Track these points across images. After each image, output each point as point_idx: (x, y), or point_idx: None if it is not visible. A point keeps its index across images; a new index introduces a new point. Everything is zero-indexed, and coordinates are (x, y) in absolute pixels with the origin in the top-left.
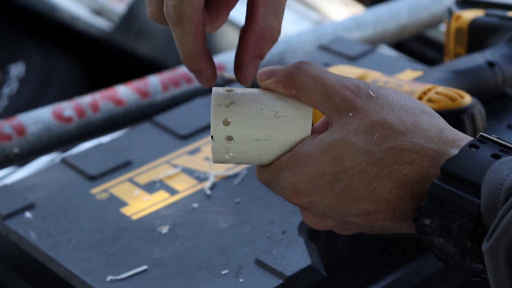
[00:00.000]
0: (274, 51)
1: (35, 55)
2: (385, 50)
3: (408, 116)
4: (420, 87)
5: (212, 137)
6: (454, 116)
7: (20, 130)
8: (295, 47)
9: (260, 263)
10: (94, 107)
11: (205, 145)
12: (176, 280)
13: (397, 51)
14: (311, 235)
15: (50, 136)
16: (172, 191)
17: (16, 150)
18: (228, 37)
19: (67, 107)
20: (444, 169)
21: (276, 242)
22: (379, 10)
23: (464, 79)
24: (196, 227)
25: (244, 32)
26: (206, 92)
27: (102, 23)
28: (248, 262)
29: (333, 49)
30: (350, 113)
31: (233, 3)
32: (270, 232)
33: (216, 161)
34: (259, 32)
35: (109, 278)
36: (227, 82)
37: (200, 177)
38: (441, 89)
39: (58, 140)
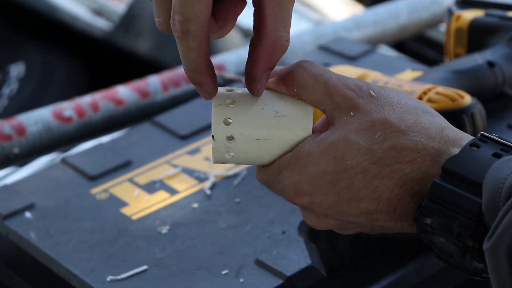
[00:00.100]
0: None
1: (35, 55)
2: (385, 50)
3: (409, 115)
4: (420, 87)
5: (212, 136)
6: (454, 116)
7: (20, 130)
8: (295, 47)
9: (260, 263)
10: (94, 107)
11: (205, 145)
12: (176, 280)
13: (397, 51)
14: (311, 235)
15: (50, 136)
16: (172, 191)
17: (16, 150)
18: (228, 37)
19: (67, 107)
20: (445, 168)
21: (276, 242)
22: (379, 10)
23: (464, 79)
24: (196, 227)
25: (255, 44)
26: None
27: (102, 23)
28: (248, 262)
29: (333, 49)
30: (351, 112)
31: (240, 9)
32: (270, 232)
33: (217, 161)
34: (270, 44)
35: (109, 278)
36: (227, 82)
37: (200, 177)
38: (441, 89)
39: (58, 140)
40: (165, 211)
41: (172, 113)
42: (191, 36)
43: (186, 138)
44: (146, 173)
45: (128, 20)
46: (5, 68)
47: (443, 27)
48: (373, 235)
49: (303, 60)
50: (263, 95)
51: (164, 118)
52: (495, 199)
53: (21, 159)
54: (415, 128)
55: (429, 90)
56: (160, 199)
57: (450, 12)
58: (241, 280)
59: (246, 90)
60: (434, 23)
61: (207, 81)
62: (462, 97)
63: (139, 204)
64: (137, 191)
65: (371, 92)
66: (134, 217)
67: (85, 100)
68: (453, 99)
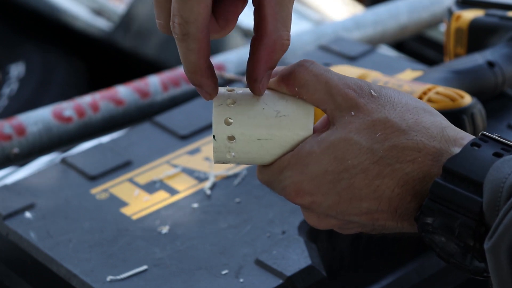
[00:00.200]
0: None
1: (35, 55)
2: (385, 50)
3: (410, 114)
4: (420, 87)
5: (213, 136)
6: (454, 116)
7: (20, 130)
8: (295, 47)
9: (260, 263)
10: (94, 107)
11: (205, 145)
12: (176, 280)
13: (397, 51)
14: (311, 235)
15: (50, 136)
16: (172, 191)
17: (16, 150)
18: (228, 37)
19: (67, 107)
20: (446, 168)
21: (276, 242)
22: (379, 10)
23: (464, 79)
24: (196, 227)
25: (255, 44)
26: None
27: (102, 23)
28: (248, 262)
29: (333, 49)
30: (352, 112)
31: (240, 9)
32: (270, 232)
33: (218, 161)
34: (270, 44)
35: (109, 278)
36: (227, 82)
37: (200, 177)
38: (441, 89)
39: (58, 140)
40: (165, 211)
41: (172, 113)
42: (191, 38)
43: (186, 138)
44: (146, 173)
45: (128, 20)
46: (5, 68)
47: (443, 27)
48: (374, 235)
49: (304, 60)
50: (264, 95)
51: (164, 118)
52: (496, 199)
53: (21, 159)
54: (416, 128)
55: (429, 90)
56: (160, 199)
57: (450, 12)
58: (241, 280)
59: (247, 90)
60: (434, 23)
61: (207, 82)
62: (462, 97)
63: (139, 204)
64: (137, 191)
65: (372, 91)
66: (134, 217)
67: (85, 100)
68: (453, 99)
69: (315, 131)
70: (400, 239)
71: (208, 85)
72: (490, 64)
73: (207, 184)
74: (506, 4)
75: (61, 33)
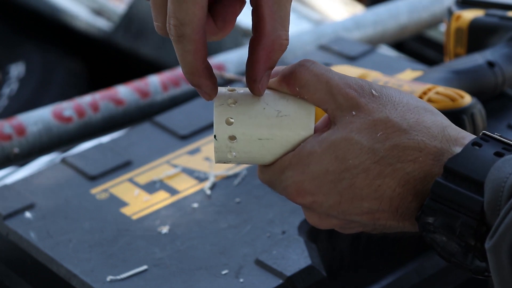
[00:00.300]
0: None
1: (35, 55)
2: (385, 50)
3: (411, 114)
4: (420, 87)
5: (215, 136)
6: (454, 116)
7: (20, 130)
8: (295, 47)
9: (260, 263)
10: (94, 107)
11: (205, 145)
12: (176, 280)
13: (397, 51)
14: (311, 235)
15: (50, 136)
16: (172, 191)
17: (16, 150)
18: (228, 37)
19: (67, 107)
20: (447, 167)
21: (276, 242)
22: (379, 10)
23: (464, 79)
24: (196, 227)
25: (254, 44)
26: None
27: (102, 23)
28: (248, 262)
29: (333, 49)
30: (353, 112)
31: (239, 10)
32: (270, 232)
33: (219, 160)
34: (269, 44)
35: (109, 278)
36: (227, 82)
37: (200, 177)
38: (441, 89)
39: (58, 140)
40: (165, 211)
41: (172, 113)
42: (186, 39)
43: (186, 138)
44: (146, 173)
45: (128, 20)
46: (5, 68)
47: (443, 27)
48: (374, 234)
49: (305, 60)
50: (265, 94)
51: (164, 118)
52: (497, 198)
53: (21, 159)
54: (417, 127)
55: (429, 90)
56: (160, 199)
57: (450, 12)
58: (241, 280)
59: (247, 90)
60: (434, 23)
61: (205, 83)
62: (462, 97)
63: (139, 204)
64: (137, 191)
65: (373, 91)
66: (134, 217)
67: (85, 100)
68: (453, 99)
69: (316, 131)
70: (400, 239)
71: (207, 86)
72: (490, 64)
73: (207, 184)
74: (506, 4)
75: (61, 33)
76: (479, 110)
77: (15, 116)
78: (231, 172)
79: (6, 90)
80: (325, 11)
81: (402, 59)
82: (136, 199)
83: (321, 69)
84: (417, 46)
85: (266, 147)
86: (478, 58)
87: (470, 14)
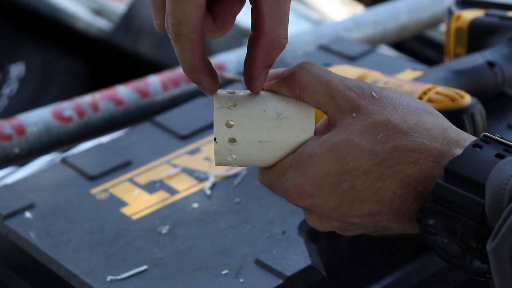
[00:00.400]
0: None
1: (35, 55)
2: (385, 50)
3: (411, 116)
4: (420, 87)
5: (215, 139)
6: (454, 116)
7: (20, 130)
8: (295, 47)
9: (260, 263)
10: (94, 107)
11: (205, 145)
12: (176, 280)
13: (397, 51)
14: (311, 235)
15: (50, 136)
16: (172, 191)
17: (16, 150)
18: (228, 36)
19: (67, 107)
20: (448, 169)
21: (276, 242)
22: (379, 10)
23: (464, 79)
24: (196, 227)
25: (253, 43)
26: None
27: (102, 23)
28: (248, 262)
29: (333, 49)
30: (353, 114)
31: (238, 9)
32: (270, 232)
33: (219, 163)
34: (267, 42)
35: (109, 278)
36: (227, 82)
37: (200, 177)
38: (441, 89)
39: (58, 140)
40: (165, 211)
41: (172, 113)
42: (184, 38)
43: (186, 138)
44: (146, 173)
45: (128, 20)
46: (5, 68)
47: (443, 27)
48: (373, 235)
49: (304, 62)
50: (265, 97)
51: (164, 118)
52: (498, 200)
53: (21, 159)
54: (417, 129)
55: (429, 90)
56: (160, 199)
57: (450, 12)
58: (241, 280)
59: (247, 92)
60: (434, 23)
61: (205, 79)
62: (462, 97)
63: (139, 204)
64: (137, 191)
65: (373, 93)
66: (134, 217)
67: (85, 100)
68: (453, 99)
69: (316, 133)
70: (399, 239)
71: (207, 82)
72: (490, 64)
73: (207, 184)
74: (506, 4)
75: (61, 33)
76: (479, 110)
77: (15, 116)
78: (231, 172)
79: (6, 90)
80: (325, 11)
81: (402, 59)
82: (136, 199)
83: (321, 71)
84: (417, 46)
85: (266, 150)
86: (478, 58)
87: (470, 14)
